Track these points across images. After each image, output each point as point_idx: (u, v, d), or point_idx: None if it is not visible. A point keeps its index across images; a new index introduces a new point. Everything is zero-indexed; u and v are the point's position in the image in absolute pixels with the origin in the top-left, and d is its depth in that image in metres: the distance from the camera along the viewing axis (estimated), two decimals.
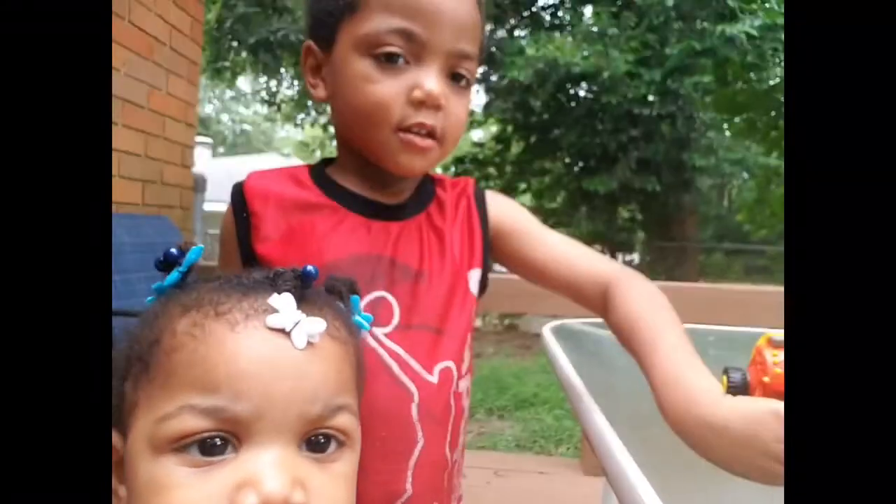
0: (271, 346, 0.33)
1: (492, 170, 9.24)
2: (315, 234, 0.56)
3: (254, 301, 0.35)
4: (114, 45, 1.84)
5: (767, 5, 6.67)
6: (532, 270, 0.64)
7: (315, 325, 0.34)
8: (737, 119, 10.31)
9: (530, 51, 6.52)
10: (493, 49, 7.63)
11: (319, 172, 0.61)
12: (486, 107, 8.71)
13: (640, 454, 0.46)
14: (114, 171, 1.91)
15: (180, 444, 0.31)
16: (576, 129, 7.48)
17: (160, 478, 0.31)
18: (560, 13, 7.59)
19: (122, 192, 1.96)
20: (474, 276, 0.61)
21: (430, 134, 0.54)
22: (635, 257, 9.60)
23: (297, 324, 0.34)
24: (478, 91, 9.77)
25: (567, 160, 8.26)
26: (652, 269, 8.67)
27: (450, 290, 0.58)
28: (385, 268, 0.56)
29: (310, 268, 0.38)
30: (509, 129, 8.71)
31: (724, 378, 0.42)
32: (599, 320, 0.61)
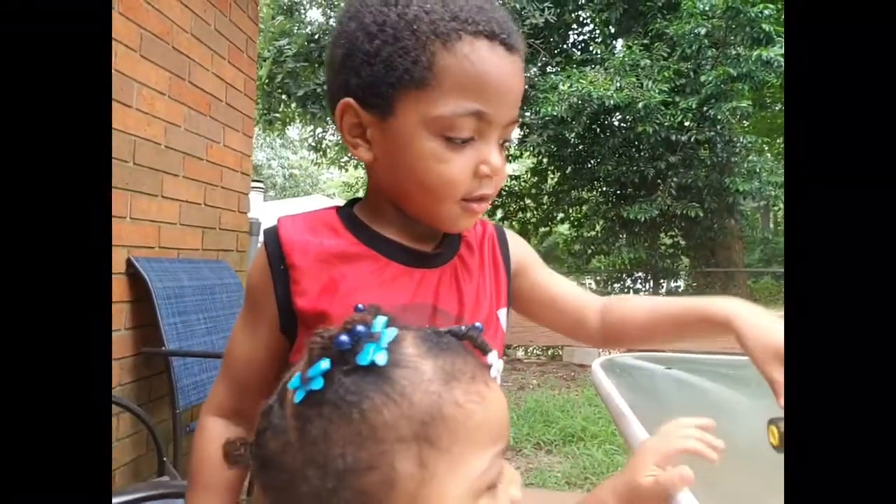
0: (502, 395, 0.40)
1: (529, 201, 9.28)
2: (359, 285, 0.55)
3: (475, 360, 0.39)
4: (175, 103, 2.01)
5: None
6: (540, 305, 0.68)
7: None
8: (779, 141, 10.04)
9: (563, 86, 6.62)
10: (526, 87, 7.76)
11: (352, 218, 0.59)
12: (521, 141, 8.82)
13: (697, 490, 0.46)
14: (175, 220, 2.05)
15: (493, 485, 0.37)
16: (612, 159, 7.46)
17: None
18: (591, 48, 7.69)
19: (184, 238, 2.10)
20: (502, 314, 0.63)
21: (484, 199, 0.56)
22: (681, 284, 9.33)
23: (499, 371, 0.42)
24: None
25: (604, 189, 8.22)
26: (699, 294, 8.36)
27: (490, 329, 0.60)
28: (429, 315, 0.57)
29: (477, 324, 0.41)
30: (545, 161, 8.77)
31: (774, 430, 0.43)
32: (650, 354, 0.63)
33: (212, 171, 2.26)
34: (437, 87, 0.51)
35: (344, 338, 0.35)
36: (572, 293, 0.69)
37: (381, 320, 0.37)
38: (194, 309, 1.97)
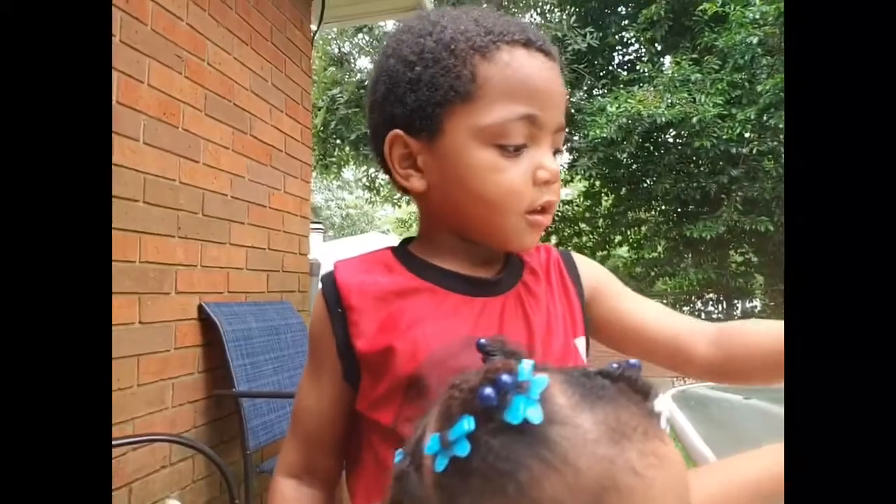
0: (676, 451, 0.33)
1: (584, 225, 9.11)
2: (418, 318, 0.53)
3: (640, 408, 0.32)
4: (238, 156, 2.14)
5: None
6: (625, 333, 0.62)
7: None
8: None
9: (611, 108, 6.54)
10: (573, 111, 7.75)
11: (406, 254, 0.58)
12: (570, 166, 8.73)
13: None
14: (242, 265, 2.15)
15: None
16: (669, 176, 7.23)
17: None
18: (638, 67, 7.59)
19: (250, 282, 2.20)
20: (581, 344, 0.59)
21: (547, 209, 0.54)
22: (756, 304, 8.76)
23: (667, 419, 0.33)
24: (561, 152, 9.82)
25: (663, 208, 7.95)
26: (778, 314, 7.83)
27: (560, 362, 0.56)
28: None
29: (634, 361, 0.34)
30: (597, 184, 8.62)
31: None
32: (724, 385, 0.59)
33: (274, 217, 2.37)
34: (483, 98, 0.51)
35: (489, 391, 0.29)
36: (669, 319, 0.61)
37: (527, 365, 0.31)
38: (262, 350, 2.04)
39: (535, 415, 0.29)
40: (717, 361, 0.57)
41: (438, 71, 0.52)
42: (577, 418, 0.29)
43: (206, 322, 1.89)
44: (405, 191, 0.58)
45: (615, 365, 0.33)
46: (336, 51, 8.61)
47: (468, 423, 0.29)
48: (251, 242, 2.21)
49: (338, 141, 8.19)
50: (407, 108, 0.53)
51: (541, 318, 0.57)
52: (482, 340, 0.35)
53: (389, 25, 8.60)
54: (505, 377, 0.29)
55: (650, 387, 0.32)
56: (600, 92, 7.73)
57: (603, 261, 9.50)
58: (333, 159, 8.78)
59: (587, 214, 9.05)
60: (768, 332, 0.56)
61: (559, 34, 7.16)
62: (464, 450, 0.29)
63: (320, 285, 0.57)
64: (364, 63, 9.00)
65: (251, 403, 1.86)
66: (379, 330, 0.53)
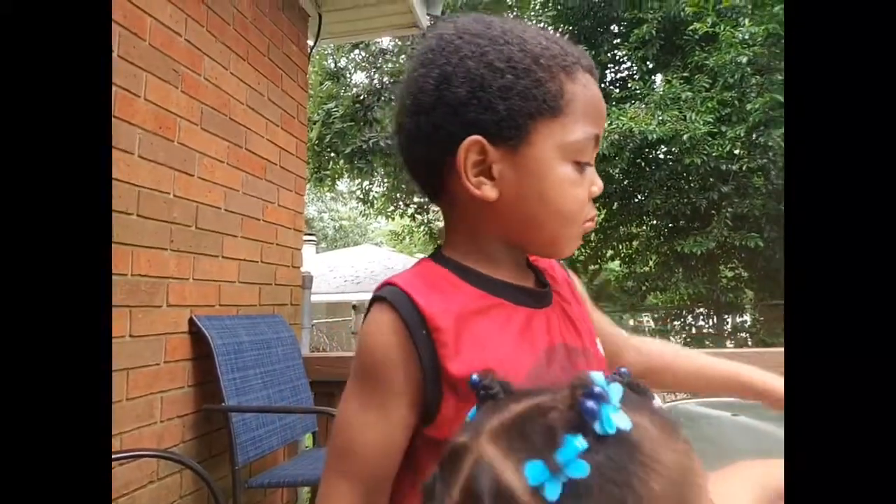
0: None
1: None
2: (501, 337, 0.53)
3: (653, 405, 0.33)
4: (233, 169, 2.15)
5: None
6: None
7: None
8: None
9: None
10: None
11: (463, 269, 0.56)
12: None
13: None
14: (234, 277, 2.16)
15: None
16: (660, 192, 7.30)
17: None
18: (630, 85, 7.71)
19: (242, 295, 2.20)
20: (599, 345, 0.64)
21: (593, 220, 0.59)
22: (746, 318, 8.82)
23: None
24: None
25: (655, 223, 8.02)
26: (768, 330, 7.89)
27: (600, 361, 0.62)
28: (570, 355, 0.56)
29: (624, 370, 0.36)
30: None
31: None
32: (714, 400, 0.62)
33: (267, 230, 2.38)
34: (569, 115, 0.53)
35: (591, 404, 0.28)
36: (612, 328, 0.73)
37: (599, 377, 0.30)
38: (252, 364, 2.03)
39: (625, 422, 0.29)
40: (641, 367, 0.71)
41: (531, 83, 0.52)
42: (637, 419, 0.30)
43: (196, 335, 1.88)
44: (443, 199, 0.58)
45: (618, 373, 0.34)
46: (332, 66, 8.68)
47: (580, 442, 0.27)
48: (244, 255, 2.21)
49: (332, 154, 8.23)
50: (497, 115, 0.52)
51: (581, 321, 0.61)
52: (475, 377, 0.34)
53: (385, 42, 8.70)
54: (598, 389, 0.29)
55: (648, 389, 0.34)
56: None
57: (595, 274, 9.54)
58: (328, 172, 8.81)
59: None
60: (665, 346, 0.76)
61: None
62: (582, 470, 0.27)
63: (385, 307, 0.52)
64: (360, 78, 9.08)
65: (240, 418, 1.85)
66: (470, 351, 0.51)
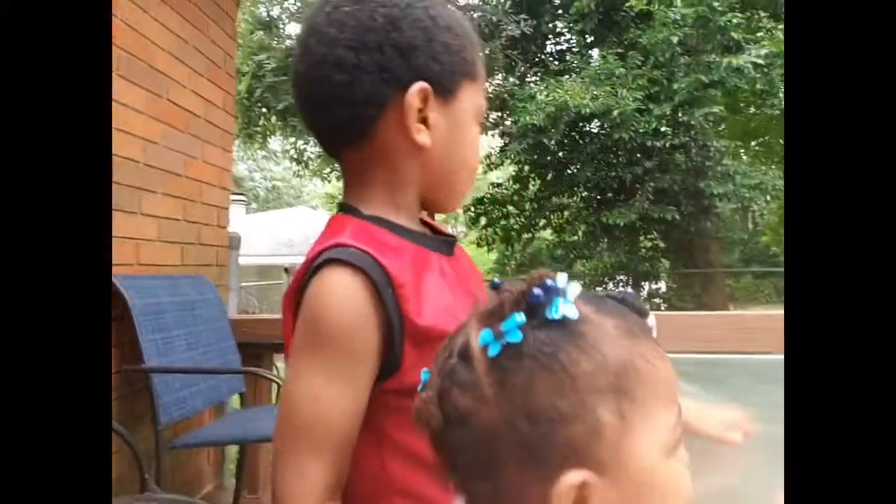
0: None
1: (511, 208, 9.37)
2: (441, 285, 0.54)
3: (640, 321, 0.40)
4: (153, 121, 2.02)
5: (773, 34, 6.80)
6: None
7: None
8: (753, 144, 10.30)
9: (540, 96, 6.74)
10: (506, 96, 7.89)
11: (387, 223, 0.56)
12: (501, 150, 8.91)
13: None
14: (155, 236, 2.06)
15: (678, 445, 0.38)
16: (591, 165, 7.60)
17: (679, 473, 0.38)
18: (568, 58, 7.84)
19: (163, 255, 2.11)
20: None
21: None
22: (661, 286, 9.49)
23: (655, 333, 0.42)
24: (493, 135, 10.05)
25: (584, 195, 8.35)
26: (680, 296, 8.54)
27: None
28: (478, 297, 0.57)
29: (631, 291, 0.43)
30: (526, 168, 8.88)
31: None
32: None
33: (191, 187, 2.28)
34: (478, 82, 0.58)
35: (538, 292, 0.36)
36: None
37: (562, 276, 0.37)
38: (174, 325, 1.98)
39: (572, 312, 0.36)
40: None
41: (465, 45, 0.56)
42: (600, 320, 0.37)
43: (113, 296, 1.80)
44: (365, 146, 0.55)
45: (618, 292, 0.42)
46: (265, 14, 8.17)
47: (520, 317, 0.35)
48: (165, 213, 2.11)
49: (263, 109, 7.82)
50: (440, 67, 0.54)
51: (473, 268, 0.65)
52: (496, 281, 0.40)
53: None
54: (549, 282, 0.36)
55: (646, 309, 0.41)
56: (532, 79, 7.91)
57: (528, 243, 9.85)
58: (258, 129, 8.37)
59: (515, 198, 9.31)
60: None
61: (494, 18, 7.22)
62: (516, 337, 0.35)
63: (348, 269, 0.50)
64: (294, 29, 8.62)
65: (162, 379, 1.81)
66: (426, 302, 0.51)
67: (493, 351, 0.36)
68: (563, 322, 0.36)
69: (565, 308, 0.36)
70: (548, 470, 0.35)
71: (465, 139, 0.57)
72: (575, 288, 0.37)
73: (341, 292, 0.50)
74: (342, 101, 0.53)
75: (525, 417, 0.35)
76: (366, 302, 0.50)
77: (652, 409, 0.37)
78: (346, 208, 0.58)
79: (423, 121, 0.54)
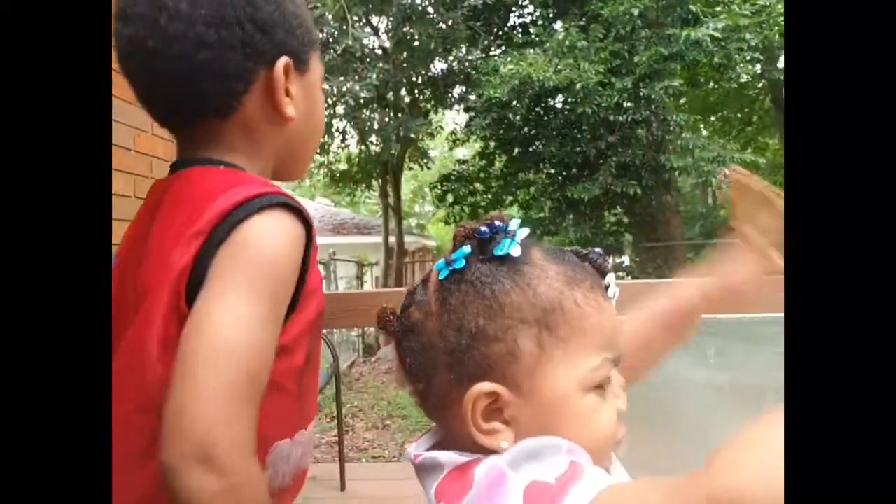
0: (615, 310, 0.45)
1: (478, 185, 9.38)
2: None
3: (594, 276, 0.44)
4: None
5: (731, 8, 6.92)
6: None
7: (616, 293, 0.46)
8: (712, 118, 10.56)
9: (504, 69, 6.70)
10: (469, 70, 7.81)
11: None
12: (467, 125, 8.86)
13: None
14: None
15: (600, 384, 0.42)
16: (555, 140, 7.64)
17: (593, 406, 0.41)
18: (531, 30, 7.79)
19: (115, 232, 2.03)
20: None
21: None
22: (625, 259, 9.71)
23: (615, 295, 0.46)
24: (458, 111, 9.98)
25: (550, 171, 8.41)
26: (642, 269, 8.77)
27: None
28: None
29: (598, 250, 0.47)
30: (492, 144, 8.87)
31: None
32: None
33: (141, 162, 2.18)
34: (317, 53, 0.61)
35: (484, 229, 0.42)
36: None
37: (515, 221, 0.43)
38: None
39: (516, 251, 0.41)
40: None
41: (307, 14, 0.59)
42: (545, 265, 0.42)
43: None
44: (229, 118, 0.55)
45: (588, 250, 0.47)
46: None
47: (466, 249, 0.42)
48: (115, 189, 2.02)
49: None
50: (296, 41, 0.57)
51: None
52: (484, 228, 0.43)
53: None
54: (498, 223, 0.42)
55: (607, 268, 0.46)
56: (496, 53, 7.85)
57: None
58: None
59: (482, 175, 9.31)
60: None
61: None
62: (460, 265, 0.42)
63: (294, 217, 0.51)
64: None
65: None
66: (312, 264, 0.54)
67: (442, 275, 0.43)
68: (507, 258, 0.41)
69: (511, 247, 0.41)
70: (466, 378, 0.41)
71: (317, 106, 0.61)
72: (524, 231, 0.43)
73: (290, 239, 0.50)
74: (208, 77, 0.53)
75: (454, 330, 0.41)
76: (301, 252, 0.51)
77: (573, 348, 0.41)
78: (224, 164, 0.56)
79: (286, 92, 0.56)
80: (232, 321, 0.46)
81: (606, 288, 0.45)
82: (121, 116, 2.04)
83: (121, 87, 1.81)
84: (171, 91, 0.55)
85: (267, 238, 0.49)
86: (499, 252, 0.41)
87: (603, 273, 0.45)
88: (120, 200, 2.05)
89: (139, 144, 2.18)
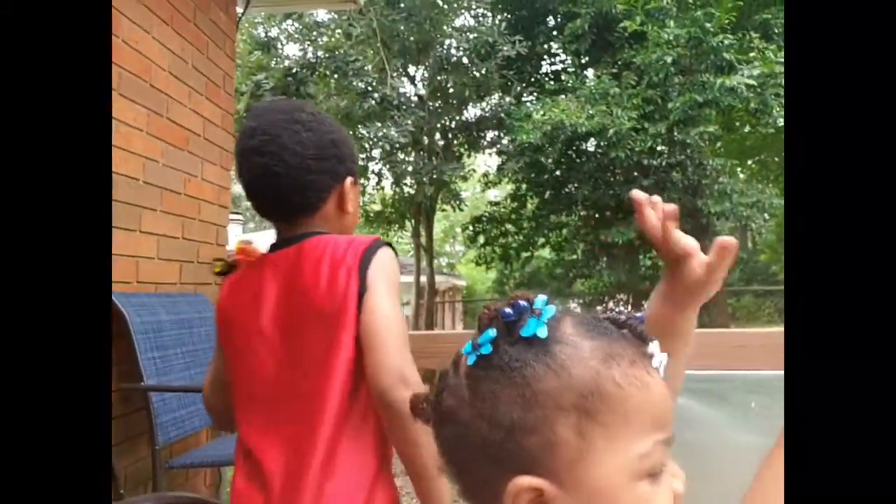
0: (664, 384, 0.41)
1: (510, 226, 9.40)
2: None
3: (635, 346, 0.41)
4: (152, 139, 2.03)
5: (765, 55, 6.91)
6: None
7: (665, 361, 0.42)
8: (749, 162, 10.39)
9: (537, 115, 6.81)
10: (502, 115, 7.97)
11: None
12: (499, 168, 8.96)
13: None
14: (153, 254, 2.05)
15: (654, 472, 0.38)
16: (588, 184, 7.64)
17: (646, 497, 0.38)
18: (563, 78, 7.94)
19: (162, 273, 2.10)
20: None
21: None
22: None
23: (662, 363, 0.42)
24: (490, 154, 10.13)
25: (583, 213, 8.38)
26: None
27: None
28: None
29: (639, 315, 0.44)
30: (524, 187, 8.92)
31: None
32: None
33: (190, 205, 2.27)
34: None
35: (508, 310, 0.40)
36: None
37: (541, 299, 0.41)
38: (173, 343, 1.95)
39: (542, 332, 0.39)
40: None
41: (353, 144, 0.95)
42: (578, 341, 0.40)
43: (113, 314, 1.78)
44: (315, 214, 0.89)
45: (623, 315, 0.43)
46: (263, 35, 8.29)
47: (492, 332, 0.40)
48: (164, 231, 2.11)
49: None
50: (355, 167, 0.94)
51: None
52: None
53: (321, 15, 8.40)
54: (522, 302, 0.41)
55: (647, 335, 0.42)
56: (528, 99, 7.99)
57: (527, 261, 9.85)
58: None
59: (513, 216, 9.34)
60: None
61: (490, 39, 7.33)
62: (487, 350, 0.40)
63: (392, 252, 0.87)
64: (292, 50, 8.74)
65: (160, 398, 1.78)
66: None
67: (471, 360, 0.41)
68: (535, 340, 0.39)
69: (537, 328, 0.39)
70: (503, 471, 0.38)
71: (358, 203, 0.96)
72: (551, 310, 0.41)
73: (398, 264, 0.88)
74: (306, 190, 0.87)
75: (486, 421, 0.39)
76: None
77: (618, 433, 0.38)
78: (325, 233, 0.89)
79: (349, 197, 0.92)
80: (390, 308, 0.80)
81: (650, 357, 0.41)
82: (172, 162, 2.15)
83: (170, 132, 1.91)
84: (287, 199, 0.87)
85: (390, 262, 0.85)
86: (525, 333, 0.39)
87: (645, 341, 0.41)
88: (168, 241, 2.13)
89: (189, 188, 2.28)
